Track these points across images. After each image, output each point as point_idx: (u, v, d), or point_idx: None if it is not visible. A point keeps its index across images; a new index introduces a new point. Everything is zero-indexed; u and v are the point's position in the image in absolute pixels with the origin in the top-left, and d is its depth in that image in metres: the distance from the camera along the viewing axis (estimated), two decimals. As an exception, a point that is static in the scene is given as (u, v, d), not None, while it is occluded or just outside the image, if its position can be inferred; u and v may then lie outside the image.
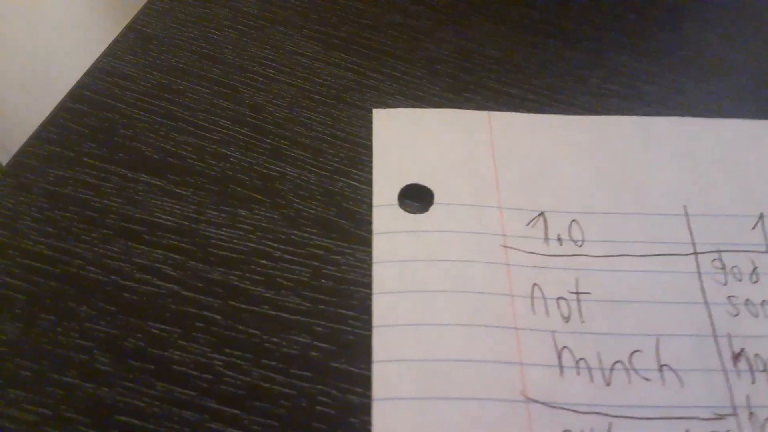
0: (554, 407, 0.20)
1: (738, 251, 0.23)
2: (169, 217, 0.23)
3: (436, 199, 0.24)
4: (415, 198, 0.24)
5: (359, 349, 0.21)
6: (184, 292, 0.21)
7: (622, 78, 0.28)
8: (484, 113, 0.26)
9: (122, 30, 0.28)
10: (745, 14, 0.31)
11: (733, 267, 0.23)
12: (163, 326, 0.21)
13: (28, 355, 0.20)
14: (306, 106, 0.27)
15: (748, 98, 0.28)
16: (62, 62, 0.71)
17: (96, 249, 0.22)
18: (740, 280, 0.23)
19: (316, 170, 0.25)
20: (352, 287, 0.22)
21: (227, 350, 0.20)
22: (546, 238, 0.23)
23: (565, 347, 0.21)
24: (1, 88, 0.75)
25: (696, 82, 0.28)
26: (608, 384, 0.20)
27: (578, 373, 0.21)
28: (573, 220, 0.24)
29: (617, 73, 0.29)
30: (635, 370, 0.21)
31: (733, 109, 0.27)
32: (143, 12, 0.29)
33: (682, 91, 0.28)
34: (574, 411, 0.20)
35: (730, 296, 0.22)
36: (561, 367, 0.21)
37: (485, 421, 0.19)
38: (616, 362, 0.21)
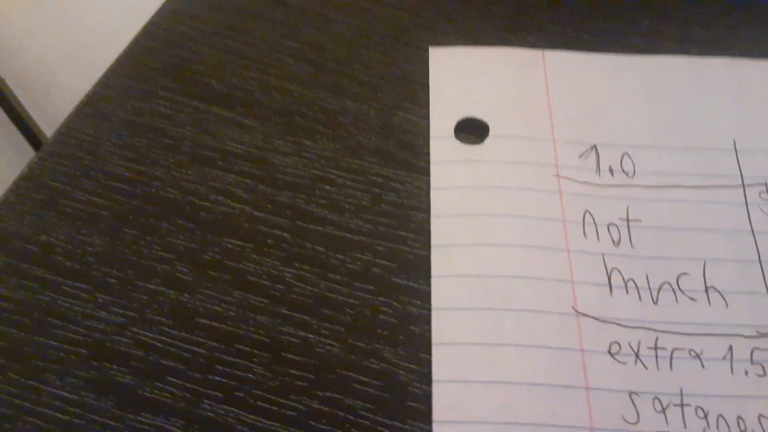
0: (603, 321, 0.21)
1: (786, 184, 0.24)
2: (239, 145, 0.25)
3: (492, 131, 0.25)
4: (471, 131, 0.25)
5: (419, 267, 0.22)
6: (256, 213, 0.23)
7: (675, 20, 0.29)
8: (538, 51, 0.27)
9: (188, -26, 0.30)
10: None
11: (781, 199, 0.24)
12: (237, 241, 0.22)
13: (115, 264, 0.22)
14: (364, 45, 0.28)
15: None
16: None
17: (173, 173, 0.24)
18: (788, 211, 0.23)
19: (375, 105, 0.26)
20: (410, 212, 0.23)
21: (296, 264, 0.22)
22: (598, 169, 0.24)
23: (615, 268, 0.22)
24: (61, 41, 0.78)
25: (749, 24, 0.29)
26: (656, 302, 0.21)
27: (627, 292, 0.22)
28: (624, 153, 0.25)
29: (670, 16, 0.29)
30: (682, 290, 0.22)
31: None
32: (208, -43, 0.30)
33: (735, 34, 0.28)
34: (622, 326, 0.21)
35: (776, 226, 0.23)
36: (610, 285, 0.22)
37: (538, 332, 0.21)
38: (664, 283, 0.22)
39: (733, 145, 0.25)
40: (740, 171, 0.24)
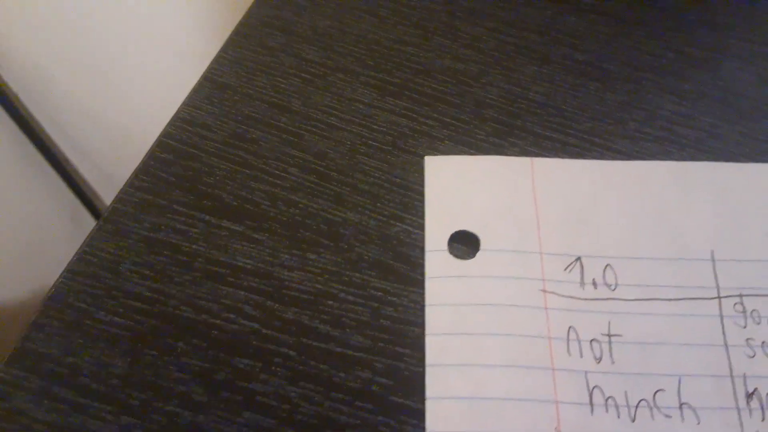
0: (584, 441, 0.23)
1: (759, 295, 0.26)
2: (248, 260, 0.27)
3: (483, 245, 0.27)
4: (464, 242, 0.27)
5: (414, 385, 0.24)
6: (264, 330, 0.25)
7: (659, 121, 0.31)
8: (527, 160, 0.29)
9: (199, 80, 0.32)
10: (780, 54, 0.33)
11: (753, 311, 0.25)
12: (247, 360, 0.24)
13: (136, 386, 0.24)
14: (364, 152, 0.30)
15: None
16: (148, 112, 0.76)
17: (187, 290, 0.26)
18: (758, 323, 0.25)
19: (374, 215, 0.28)
20: (407, 326, 0.25)
21: (301, 383, 0.24)
22: (582, 282, 0.26)
23: (596, 386, 0.24)
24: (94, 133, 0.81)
25: (732, 124, 0.30)
26: (633, 420, 0.23)
27: (606, 411, 0.23)
28: (607, 265, 0.26)
29: (655, 116, 0.31)
30: (658, 407, 0.24)
31: (756, 153, 0.29)
32: (216, 61, 0.32)
33: (717, 134, 0.30)
34: (602, 444, 0.23)
35: (748, 339, 0.25)
36: (591, 404, 0.24)
37: (523, 453, 0.23)
38: (641, 400, 0.24)
39: (711, 255, 0.27)
40: (717, 282, 0.26)
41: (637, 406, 0.23)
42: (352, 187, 0.29)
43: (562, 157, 0.29)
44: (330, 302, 0.26)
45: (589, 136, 0.30)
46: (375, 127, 0.31)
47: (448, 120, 0.31)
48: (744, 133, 0.30)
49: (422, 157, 0.29)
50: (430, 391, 0.24)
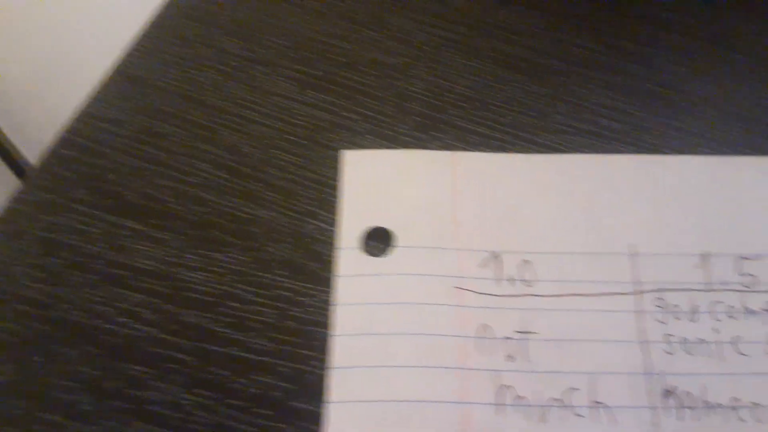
0: (492, 445, 0.22)
1: (679, 290, 0.25)
2: (149, 261, 0.25)
3: (398, 241, 0.26)
4: (379, 240, 0.26)
5: (319, 389, 0.23)
6: (161, 335, 0.24)
7: (585, 114, 0.30)
8: (448, 153, 0.28)
9: (108, 72, 0.30)
10: (718, 47, 0.32)
11: (674, 306, 0.25)
12: (140, 367, 0.23)
13: (20, 394, 0.22)
14: (281, 147, 0.28)
15: (713, 134, 0.29)
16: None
17: (82, 294, 0.24)
18: (678, 319, 0.24)
19: (287, 212, 0.27)
20: (315, 328, 0.24)
21: (197, 390, 0.23)
22: (498, 279, 0.25)
23: (507, 386, 0.23)
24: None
25: (663, 118, 0.30)
26: (543, 420, 0.22)
27: (516, 411, 0.22)
28: (525, 260, 0.25)
29: (582, 109, 0.30)
30: (570, 406, 0.23)
31: (695, 146, 0.29)
32: (128, 53, 0.31)
33: (645, 128, 0.29)
34: (511, 448, 0.22)
35: (667, 335, 0.24)
36: (501, 405, 0.22)
37: (427, 459, 0.21)
38: (553, 399, 0.23)
39: (632, 249, 0.26)
40: (636, 277, 0.25)
41: (548, 406, 0.22)
42: (265, 183, 0.27)
43: (486, 152, 0.28)
44: (234, 304, 0.24)
45: (513, 130, 0.29)
46: (293, 121, 0.29)
47: (370, 114, 0.30)
48: (675, 127, 0.29)
49: (339, 152, 0.28)
50: (334, 394, 0.22)
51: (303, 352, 0.24)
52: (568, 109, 0.30)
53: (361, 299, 0.24)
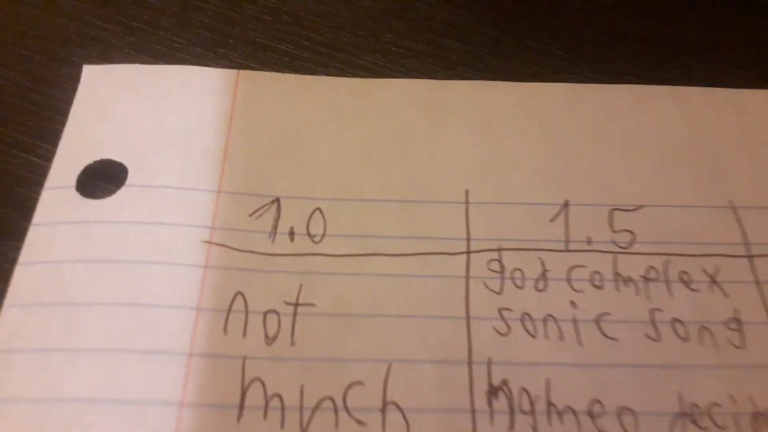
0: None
1: (524, 249, 0.18)
2: None
3: (130, 179, 0.18)
4: (108, 178, 0.18)
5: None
6: None
7: (426, 33, 0.23)
8: (231, 72, 0.21)
9: None
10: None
11: (514, 270, 0.18)
12: None
13: None
14: (8, 65, 0.21)
15: (564, 58, 0.22)
16: None
17: None
18: (521, 288, 0.17)
19: (-12, 143, 0.19)
20: (-11, 298, 0.16)
21: None
22: (273, 233, 0.18)
23: (257, 379, 0.15)
24: None
25: (519, 38, 0.23)
26: (304, 430, 0.15)
27: (265, 416, 0.15)
28: (317, 209, 0.18)
29: (421, 27, 0.23)
30: (348, 409, 0.15)
31: (549, 72, 0.22)
32: None
33: (496, 51, 0.23)
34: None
35: (502, 308, 0.17)
36: (242, 407, 0.15)
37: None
38: (324, 399, 0.15)
39: (465, 197, 0.19)
40: (468, 232, 0.18)
41: (315, 409, 0.15)
42: (-30, 104, 0.20)
43: (286, 73, 0.21)
44: None
45: (329, 50, 0.22)
46: (31, 32, 0.22)
47: (137, 24, 0.22)
48: (529, 48, 0.23)
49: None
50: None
51: (-43, 332, 0.16)
52: (403, 27, 0.23)
53: (54, 257, 0.16)
